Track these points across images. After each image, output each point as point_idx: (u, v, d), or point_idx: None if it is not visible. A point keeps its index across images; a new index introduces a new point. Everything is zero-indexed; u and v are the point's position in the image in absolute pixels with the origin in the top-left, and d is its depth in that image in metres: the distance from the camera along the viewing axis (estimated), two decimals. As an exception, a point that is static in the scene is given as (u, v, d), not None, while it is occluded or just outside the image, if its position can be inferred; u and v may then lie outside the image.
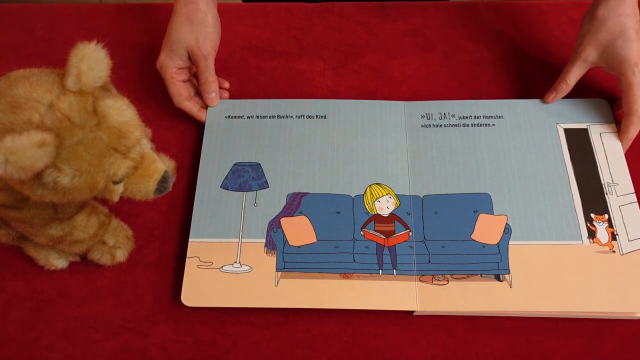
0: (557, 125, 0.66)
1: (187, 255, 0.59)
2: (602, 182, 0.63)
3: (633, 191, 0.62)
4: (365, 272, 0.58)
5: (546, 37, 0.77)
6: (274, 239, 0.60)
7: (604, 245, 0.59)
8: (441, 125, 0.67)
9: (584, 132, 0.66)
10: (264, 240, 0.60)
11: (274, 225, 0.60)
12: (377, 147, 0.65)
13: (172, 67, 0.65)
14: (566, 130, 0.66)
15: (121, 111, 0.43)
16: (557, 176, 0.63)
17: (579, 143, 0.65)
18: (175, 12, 0.65)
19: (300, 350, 0.56)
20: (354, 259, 0.58)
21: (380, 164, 0.64)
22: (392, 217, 0.61)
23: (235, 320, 0.58)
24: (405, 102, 0.69)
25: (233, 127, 0.67)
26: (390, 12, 0.80)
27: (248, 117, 0.68)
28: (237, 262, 0.58)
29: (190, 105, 0.67)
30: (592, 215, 0.61)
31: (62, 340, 0.56)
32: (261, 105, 0.69)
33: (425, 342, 0.57)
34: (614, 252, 0.58)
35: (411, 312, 0.57)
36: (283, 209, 0.61)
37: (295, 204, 0.61)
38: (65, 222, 0.53)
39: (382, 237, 0.60)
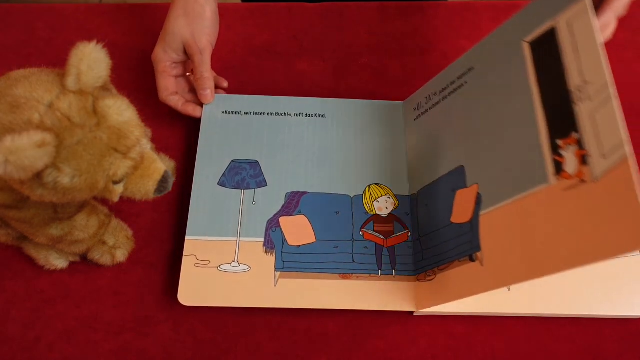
0: (522, 43, 0.54)
1: (184, 254, 0.58)
2: (570, 89, 0.49)
3: (608, 85, 0.47)
4: (365, 272, 0.57)
5: (546, 37, 0.77)
6: (273, 238, 0.59)
7: (573, 178, 0.47)
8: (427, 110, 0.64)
9: (551, 33, 0.52)
10: (262, 240, 0.59)
11: (273, 225, 0.60)
12: (376, 147, 0.65)
13: (165, 60, 0.64)
14: (532, 45, 0.54)
15: (121, 111, 0.43)
16: (521, 112, 0.52)
17: (546, 51, 0.52)
18: (173, 4, 0.64)
19: (300, 350, 0.56)
20: (353, 260, 0.58)
21: (379, 164, 0.64)
22: (391, 217, 0.61)
23: (235, 320, 0.58)
24: (405, 102, 0.69)
25: (230, 123, 0.66)
26: (390, 12, 0.80)
27: (246, 114, 0.67)
28: (235, 261, 0.58)
29: (175, 99, 0.65)
30: (559, 142, 0.49)
31: (62, 340, 0.56)
32: (259, 102, 0.68)
33: (425, 342, 0.57)
34: (584, 182, 0.46)
35: (411, 312, 0.57)
36: (282, 208, 0.61)
37: (294, 204, 0.61)
38: (65, 222, 0.53)
39: (382, 237, 0.59)
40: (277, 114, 0.67)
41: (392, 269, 0.58)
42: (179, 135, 0.69)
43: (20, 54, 0.75)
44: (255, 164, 0.63)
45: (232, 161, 0.64)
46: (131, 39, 0.76)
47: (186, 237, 0.59)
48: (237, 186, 0.62)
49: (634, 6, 0.66)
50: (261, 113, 0.67)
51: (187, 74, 0.68)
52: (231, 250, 0.59)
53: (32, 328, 0.57)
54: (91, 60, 0.43)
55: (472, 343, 0.57)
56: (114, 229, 0.58)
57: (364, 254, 0.58)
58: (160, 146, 0.67)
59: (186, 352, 0.56)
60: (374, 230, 0.60)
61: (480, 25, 0.78)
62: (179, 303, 0.56)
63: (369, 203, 0.61)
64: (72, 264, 0.60)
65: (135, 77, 0.72)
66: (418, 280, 0.57)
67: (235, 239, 0.59)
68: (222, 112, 0.67)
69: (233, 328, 0.57)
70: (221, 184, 0.62)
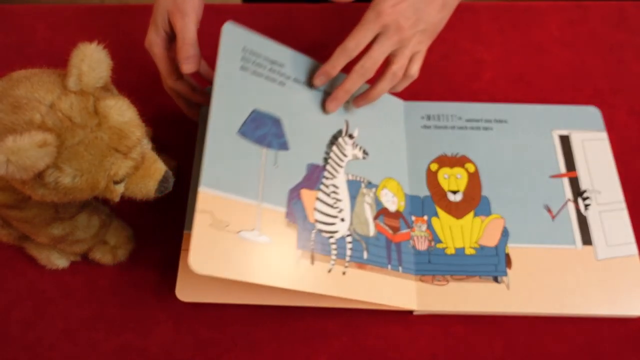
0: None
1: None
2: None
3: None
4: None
5: (546, 37, 0.77)
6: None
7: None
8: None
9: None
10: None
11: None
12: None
13: (159, 42, 0.59)
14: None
15: (122, 111, 0.44)
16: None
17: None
18: None
19: (300, 349, 0.56)
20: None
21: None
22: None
23: (235, 319, 0.58)
24: (405, 101, 0.69)
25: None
26: (390, 13, 0.80)
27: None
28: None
29: (184, 85, 0.61)
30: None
31: (63, 339, 0.57)
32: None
33: (425, 342, 0.57)
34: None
35: (411, 311, 0.58)
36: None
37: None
38: (66, 222, 0.53)
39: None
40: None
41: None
42: (179, 135, 0.69)
43: (22, 54, 0.75)
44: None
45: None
46: (132, 40, 0.76)
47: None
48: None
49: (633, 6, 0.66)
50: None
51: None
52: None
53: (33, 327, 0.57)
54: (92, 61, 0.43)
55: (472, 343, 0.57)
56: (115, 228, 0.58)
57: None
58: (160, 146, 0.67)
59: (186, 351, 0.56)
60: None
61: (480, 25, 0.79)
62: (180, 303, 0.56)
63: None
64: (73, 263, 0.60)
65: (136, 78, 0.73)
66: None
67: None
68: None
69: (233, 327, 0.57)
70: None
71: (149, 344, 0.56)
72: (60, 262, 0.58)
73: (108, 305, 0.58)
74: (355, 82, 0.57)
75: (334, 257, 0.54)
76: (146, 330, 0.57)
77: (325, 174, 0.56)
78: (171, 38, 0.61)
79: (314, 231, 0.53)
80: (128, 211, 0.63)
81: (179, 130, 0.69)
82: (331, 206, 0.56)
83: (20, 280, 0.60)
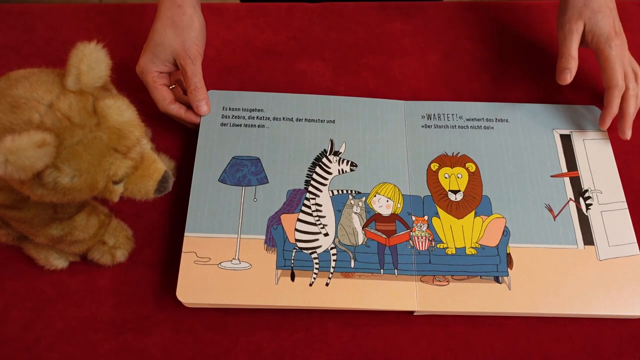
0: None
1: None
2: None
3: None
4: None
5: (546, 37, 0.77)
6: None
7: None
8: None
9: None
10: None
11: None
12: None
13: (153, 71, 0.63)
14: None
15: (121, 111, 0.43)
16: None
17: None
18: (159, 15, 0.63)
19: (300, 350, 0.56)
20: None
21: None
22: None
23: (235, 320, 0.58)
24: (405, 101, 0.69)
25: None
26: (390, 12, 0.80)
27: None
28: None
29: (176, 107, 0.65)
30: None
31: (62, 340, 0.56)
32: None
33: (425, 342, 0.57)
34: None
35: (411, 312, 0.57)
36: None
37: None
38: (65, 222, 0.53)
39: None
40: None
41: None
42: (179, 135, 0.69)
43: (21, 54, 0.75)
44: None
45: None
46: (131, 39, 0.76)
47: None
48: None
49: (633, 6, 0.66)
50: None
51: (171, 87, 0.66)
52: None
53: (32, 328, 0.57)
54: (91, 60, 0.43)
55: (472, 343, 0.57)
56: (114, 229, 0.58)
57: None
58: (160, 146, 0.67)
59: (186, 352, 0.56)
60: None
61: (480, 25, 0.79)
62: (179, 303, 0.56)
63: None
64: (72, 264, 0.60)
65: (135, 77, 0.72)
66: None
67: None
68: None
69: (233, 328, 0.57)
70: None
71: (148, 344, 0.56)
72: (59, 262, 0.58)
73: (107, 305, 0.58)
74: (635, 105, 0.65)
75: (316, 270, 0.58)
76: (145, 330, 0.57)
77: (307, 195, 0.62)
78: (168, 70, 0.65)
79: (294, 250, 0.59)
80: (127, 211, 0.62)
81: (178, 130, 0.69)
82: (314, 224, 0.60)
83: (19, 281, 0.59)
